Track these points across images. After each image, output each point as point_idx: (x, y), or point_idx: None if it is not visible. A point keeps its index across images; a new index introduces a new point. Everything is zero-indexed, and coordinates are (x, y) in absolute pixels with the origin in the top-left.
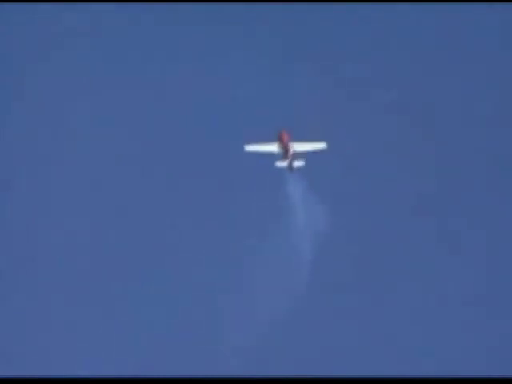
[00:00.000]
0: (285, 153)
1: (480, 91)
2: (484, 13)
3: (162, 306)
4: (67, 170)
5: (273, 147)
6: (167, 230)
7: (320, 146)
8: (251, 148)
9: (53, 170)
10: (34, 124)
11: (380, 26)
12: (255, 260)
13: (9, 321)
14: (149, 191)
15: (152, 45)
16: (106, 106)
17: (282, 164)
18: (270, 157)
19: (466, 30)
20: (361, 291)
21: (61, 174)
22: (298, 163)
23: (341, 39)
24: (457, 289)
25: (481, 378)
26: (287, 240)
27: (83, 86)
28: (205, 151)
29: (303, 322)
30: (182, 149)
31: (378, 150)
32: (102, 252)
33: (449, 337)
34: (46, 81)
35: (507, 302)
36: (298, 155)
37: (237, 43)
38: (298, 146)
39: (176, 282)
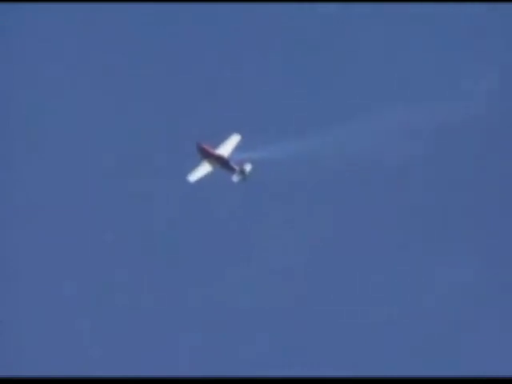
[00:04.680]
0: (223, 164)
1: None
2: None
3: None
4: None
5: (206, 167)
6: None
7: (236, 139)
8: (194, 177)
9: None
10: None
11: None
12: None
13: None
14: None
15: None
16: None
17: (236, 178)
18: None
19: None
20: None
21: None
22: (247, 167)
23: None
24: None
25: (481, 377)
26: None
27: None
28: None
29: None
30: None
31: None
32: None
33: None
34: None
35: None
36: (234, 159)
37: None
38: (224, 150)
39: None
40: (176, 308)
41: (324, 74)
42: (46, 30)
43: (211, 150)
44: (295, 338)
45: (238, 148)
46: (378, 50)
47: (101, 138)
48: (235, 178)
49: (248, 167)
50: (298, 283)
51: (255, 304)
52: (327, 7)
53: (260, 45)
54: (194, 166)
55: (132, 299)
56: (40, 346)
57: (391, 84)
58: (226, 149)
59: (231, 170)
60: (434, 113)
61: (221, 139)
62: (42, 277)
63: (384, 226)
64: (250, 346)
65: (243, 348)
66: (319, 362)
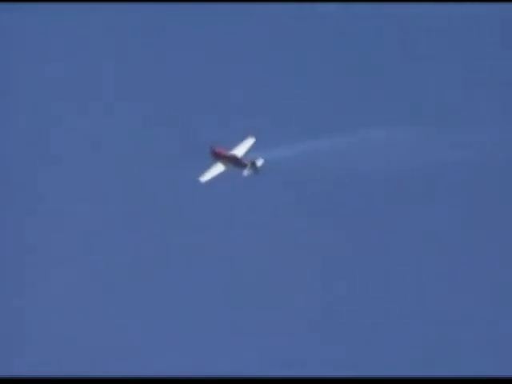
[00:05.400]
0: (236, 163)
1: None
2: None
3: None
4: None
5: (219, 167)
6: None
7: (250, 142)
8: (206, 177)
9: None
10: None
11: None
12: None
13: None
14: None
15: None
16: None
17: (247, 173)
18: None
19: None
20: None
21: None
22: (258, 162)
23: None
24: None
25: (480, 378)
26: None
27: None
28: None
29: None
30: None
31: None
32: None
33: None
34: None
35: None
36: (247, 157)
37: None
38: (237, 151)
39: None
40: (180, 307)
41: (324, 73)
42: (45, 30)
43: (224, 152)
44: (295, 337)
45: (252, 150)
46: (377, 50)
47: (112, 141)
48: (246, 173)
49: (260, 161)
50: (299, 283)
51: (256, 304)
52: (327, 7)
53: (260, 45)
54: (206, 167)
55: (134, 299)
56: (40, 346)
57: (391, 84)
58: (239, 150)
59: (243, 166)
60: (436, 115)
61: (235, 142)
62: (42, 275)
63: (392, 228)
64: (252, 345)
65: (244, 348)
66: (319, 362)
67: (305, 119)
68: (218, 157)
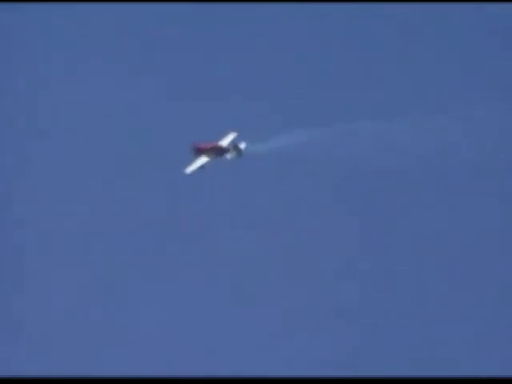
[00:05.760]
0: (219, 152)
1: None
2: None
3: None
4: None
5: (203, 158)
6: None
7: (232, 136)
8: (191, 169)
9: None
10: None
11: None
12: None
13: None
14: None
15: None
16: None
17: (231, 156)
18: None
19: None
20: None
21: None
22: (241, 145)
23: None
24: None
25: (480, 378)
26: None
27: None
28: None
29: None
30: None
31: None
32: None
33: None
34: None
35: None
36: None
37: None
38: (221, 143)
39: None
40: (181, 303)
41: (323, 73)
42: (45, 30)
43: (206, 145)
44: (295, 335)
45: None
46: (377, 50)
47: (99, 139)
48: (229, 156)
49: (242, 145)
50: (298, 280)
51: (256, 301)
52: (327, 7)
53: (260, 44)
54: (189, 161)
55: (134, 296)
56: (40, 346)
57: (390, 83)
58: (222, 142)
59: (226, 152)
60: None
61: (217, 137)
62: (42, 275)
63: (386, 224)
64: (251, 345)
65: (245, 348)
66: (319, 362)
67: (303, 117)
68: (200, 152)
